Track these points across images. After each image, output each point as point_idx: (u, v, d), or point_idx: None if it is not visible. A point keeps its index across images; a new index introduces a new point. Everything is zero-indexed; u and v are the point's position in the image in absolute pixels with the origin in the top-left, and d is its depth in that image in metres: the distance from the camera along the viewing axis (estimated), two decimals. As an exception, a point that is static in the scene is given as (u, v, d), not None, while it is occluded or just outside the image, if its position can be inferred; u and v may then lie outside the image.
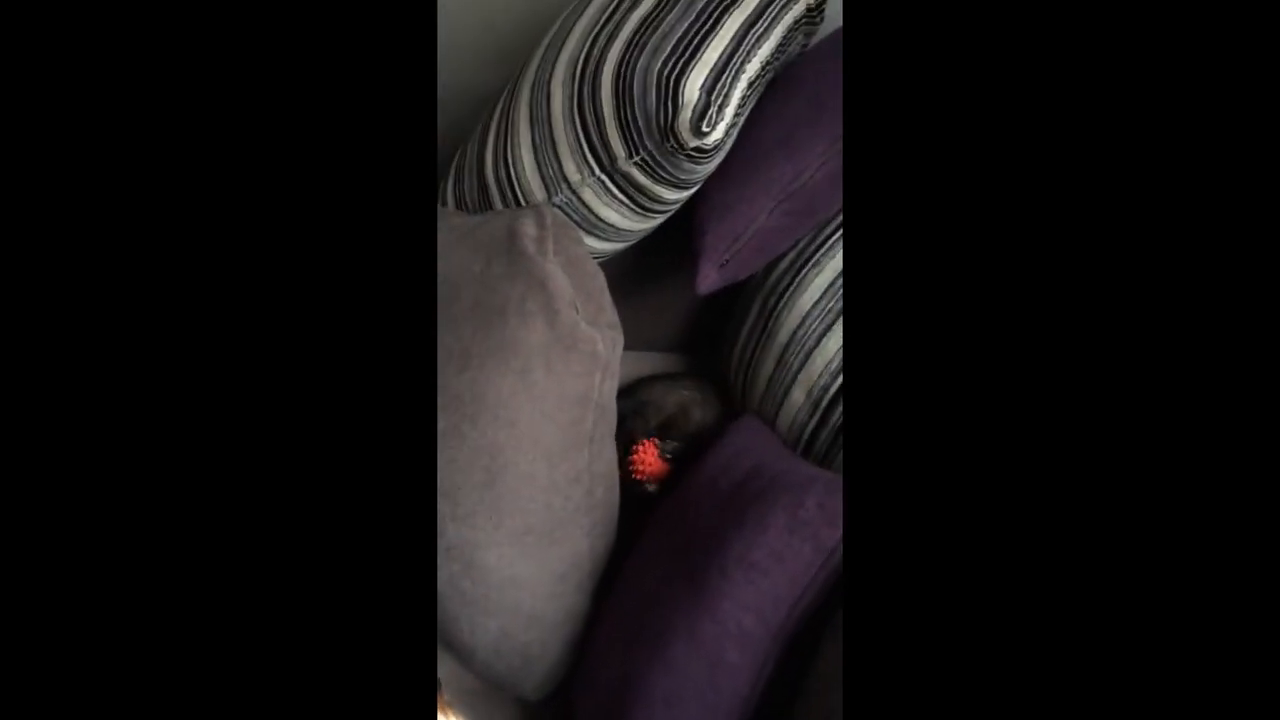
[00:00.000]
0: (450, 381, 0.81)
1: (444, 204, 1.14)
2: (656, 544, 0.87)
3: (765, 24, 0.87)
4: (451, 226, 0.88)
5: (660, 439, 1.02)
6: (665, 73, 0.83)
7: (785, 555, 0.69)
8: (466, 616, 0.89)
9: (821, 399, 0.98)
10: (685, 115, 0.82)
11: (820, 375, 0.97)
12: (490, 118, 1.08)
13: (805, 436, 0.99)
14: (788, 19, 0.90)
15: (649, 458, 1.00)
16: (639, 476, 0.99)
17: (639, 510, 0.97)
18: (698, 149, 0.84)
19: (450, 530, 0.84)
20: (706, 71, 0.83)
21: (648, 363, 1.21)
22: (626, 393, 1.11)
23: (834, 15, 0.99)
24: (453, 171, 1.16)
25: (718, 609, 0.69)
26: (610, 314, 0.86)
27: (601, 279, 0.87)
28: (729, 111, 0.84)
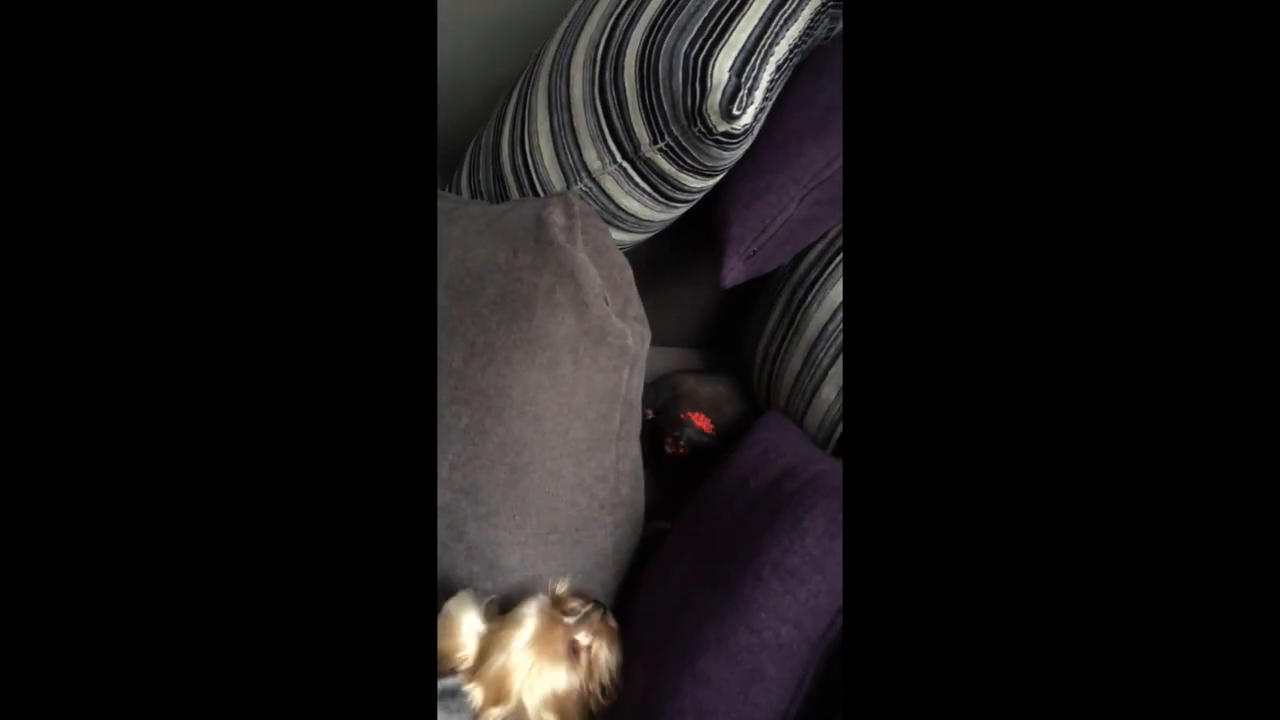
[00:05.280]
0: (474, 376, 0.77)
1: (459, 194, 1.10)
2: (681, 547, 0.84)
3: (793, 6, 0.84)
4: (472, 216, 0.84)
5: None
6: (692, 54, 0.80)
7: (825, 563, 0.66)
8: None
9: (852, 396, 0.94)
10: (715, 98, 0.78)
11: (851, 371, 0.94)
12: (506, 104, 1.04)
13: (837, 435, 0.96)
14: (815, 1, 0.86)
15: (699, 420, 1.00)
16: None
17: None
18: (726, 133, 0.80)
19: (471, 530, 0.81)
20: (735, 53, 0.80)
21: (664, 358, 1.18)
22: (661, 381, 1.09)
23: None
24: (467, 160, 1.13)
25: (753, 619, 0.66)
26: (637, 307, 0.83)
27: (629, 271, 0.83)
28: (758, 95, 0.81)
